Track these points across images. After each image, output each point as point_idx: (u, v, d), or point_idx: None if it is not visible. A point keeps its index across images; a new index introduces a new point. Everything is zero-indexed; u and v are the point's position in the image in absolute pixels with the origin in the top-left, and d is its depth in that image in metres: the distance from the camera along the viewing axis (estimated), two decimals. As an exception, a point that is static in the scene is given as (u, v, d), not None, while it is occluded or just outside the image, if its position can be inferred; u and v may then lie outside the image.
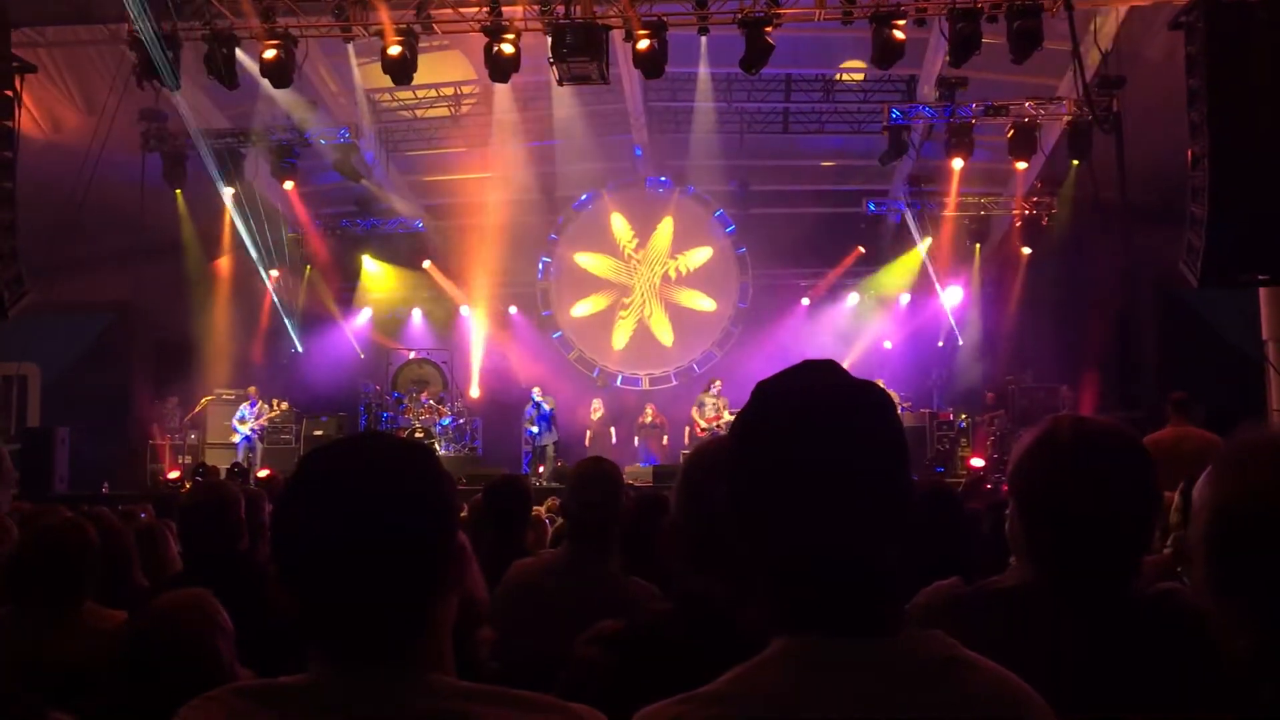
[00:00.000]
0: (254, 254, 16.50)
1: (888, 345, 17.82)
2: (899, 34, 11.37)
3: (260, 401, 15.77)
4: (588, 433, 16.60)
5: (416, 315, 19.15)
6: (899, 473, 1.28)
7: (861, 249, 17.97)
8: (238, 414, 15.71)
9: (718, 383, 16.08)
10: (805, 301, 18.46)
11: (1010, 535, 1.86)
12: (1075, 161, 13.85)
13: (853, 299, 18.51)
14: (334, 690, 1.25)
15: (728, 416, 15.19)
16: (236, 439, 15.64)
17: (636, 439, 16.65)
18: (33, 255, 10.94)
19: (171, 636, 2.25)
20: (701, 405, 15.87)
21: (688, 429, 16.08)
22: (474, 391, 18.01)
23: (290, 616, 1.29)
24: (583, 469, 3.50)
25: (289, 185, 15.57)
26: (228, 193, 15.40)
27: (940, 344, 17.66)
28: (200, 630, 2.29)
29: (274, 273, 17.09)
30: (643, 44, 11.49)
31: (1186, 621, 1.65)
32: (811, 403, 1.28)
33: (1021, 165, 14.91)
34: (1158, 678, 1.64)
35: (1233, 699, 1.28)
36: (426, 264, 18.44)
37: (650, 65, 11.71)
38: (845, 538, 1.22)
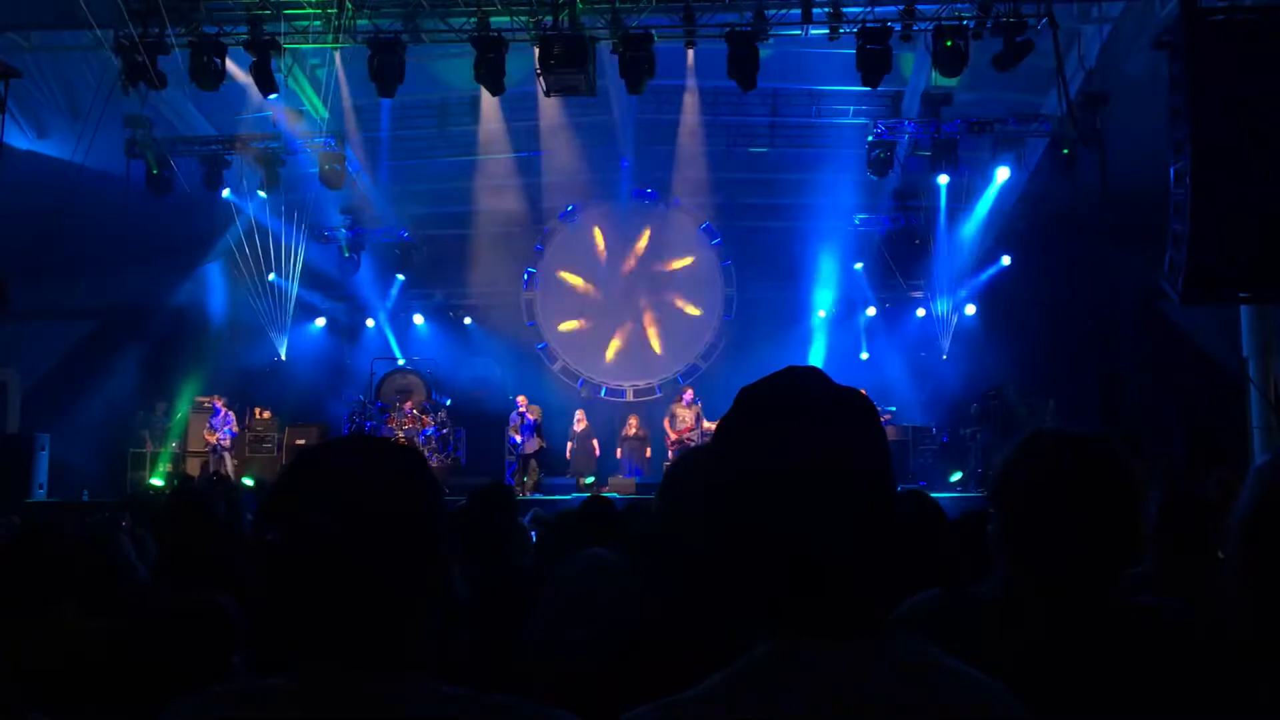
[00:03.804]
0: (238, 260, 16.43)
1: (864, 356, 17.90)
2: (885, 50, 11.47)
3: (225, 409, 15.57)
4: (569, 445, 16.52)
5: (400, 323, 19.10)
6: (882, 477, 1.28)
7: (851, 263, 17.99)
8: (207, 424, 15.61)
9: (689, 392, 16.10)
10: (791, 314, 18.46)
11: (993, 545, 1.87)
12: (1062, 159, 13.86)
13: (838, 312, 18.54)
14: (316, 692, 1.25)
15: (705, 424, 15.17)
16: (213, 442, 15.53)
17: (619, 451, 16.60)
18: (15, 261, 10.87)
19: (175, 639, 2.25)
20: (673, 416, 15.83)
21: (666, 440, 16.05)
22: (446, 400, 17.91)
23: (272, 617, 1.29)
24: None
25: (265, 194, 15.49)
26: (212, 199, 15.34)
27: (922, 355, 17.72)
28: (206, 634, 2.28)
29: (267, 278, 17.03)
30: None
31: (1164, 634, 1.67)
32: (794, 407, 1.28)
33: (1004, 179, 15.01)
34: (1134, 687, 1.65)
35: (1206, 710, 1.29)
36: (400, 277, 18.45)
37: (636, 77, 11.76)
38: (828, 542, 1.22)
